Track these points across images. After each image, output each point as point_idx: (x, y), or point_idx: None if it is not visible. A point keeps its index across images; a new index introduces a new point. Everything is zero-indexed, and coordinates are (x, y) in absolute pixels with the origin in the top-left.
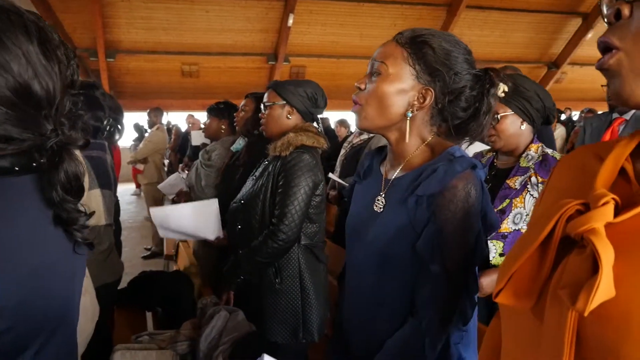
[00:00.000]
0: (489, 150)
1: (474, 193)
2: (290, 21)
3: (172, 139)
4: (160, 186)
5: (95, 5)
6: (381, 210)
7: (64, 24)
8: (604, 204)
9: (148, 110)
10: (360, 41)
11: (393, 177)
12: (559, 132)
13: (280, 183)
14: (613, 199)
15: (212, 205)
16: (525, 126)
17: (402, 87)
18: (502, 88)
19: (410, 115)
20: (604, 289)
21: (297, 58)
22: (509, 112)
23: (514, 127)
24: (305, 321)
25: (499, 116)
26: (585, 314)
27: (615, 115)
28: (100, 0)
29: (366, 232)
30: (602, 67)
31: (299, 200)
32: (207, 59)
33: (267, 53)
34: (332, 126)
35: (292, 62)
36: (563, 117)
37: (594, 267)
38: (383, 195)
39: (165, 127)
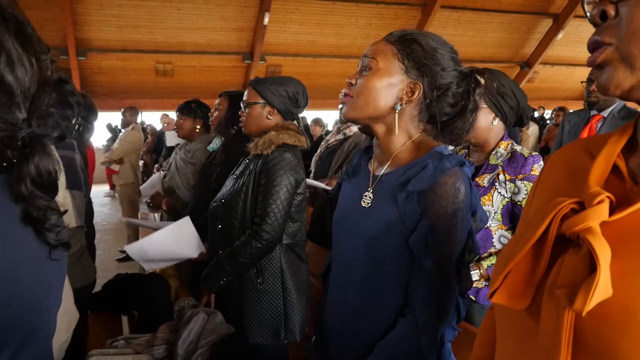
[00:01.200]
0: (461, 148)
1: (464, 189)
2: (266, 20)
3: (147, 140)
4: (142, 187)
5: (64, 1)
6: (369, 205)
7: (31, 21)
8: (599, 202)
9: (123, 110)
10: (336, 40)
11: (381, 173)
12: (532, 130)
13: (262, 182)
14: (607, 197)
15: (187, 224)
16: (497, 122)
17: (392, 81)
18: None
19: (399, 108)
20: (602, 288)
21: (273, 57)
22: (483, 105)
23: (485, 121)
24: (287, 321)
25: None
26: (584, 314)
27: (593, 112)
28: None
29: (353, 227)
30: (594, 63)
31: (281, 199)
32: (182, 58)
33: (242, 52)
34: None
35: (268, 61)
36: (536, 115)
37: (591, 266)
38: (371, 191)
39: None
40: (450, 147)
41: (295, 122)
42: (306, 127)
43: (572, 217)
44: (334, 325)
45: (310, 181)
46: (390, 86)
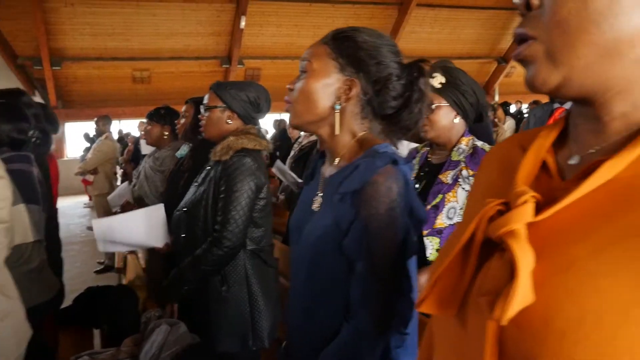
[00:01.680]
0: (424, 145)
1: (396, 188)
2: (243, 23)
3: (127, 149)
4: (109, 198)
5: (36, 11)
6: (318, 208)
7: (3, 32)
8: (522, 203)
9: (96, 119)
10: (314, 41)
11: (328, 175)
12: (509, 124)
13: (222, 188)
14: (533, 196)
15: (159, 211)
16: (458, 120)
17: (328, 81)
18: (439, 79)
19: (339, 107)
20: (522, 295)
21: (251, 60)
22: (444, 103)
23: (447, 119)
24: (254, 328)
25: (433, 106)
26: (502, 324)
27: (556, 105)
28: (42, 6)
29: (304, 231)
30: (518, 58)
31: (242, 205)
32: (159, 64)
33: (220, 56)
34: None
35: (246, 65)
36: (513, 109)
37: (513, 272)
38: (320, 194)
39: (118, 136)
40: (413, 145)
41: (256, 126)
42: (284, 129)
43: (497, 219)
44: (291, 329)
45: (280, 167)
46: (326, 86)
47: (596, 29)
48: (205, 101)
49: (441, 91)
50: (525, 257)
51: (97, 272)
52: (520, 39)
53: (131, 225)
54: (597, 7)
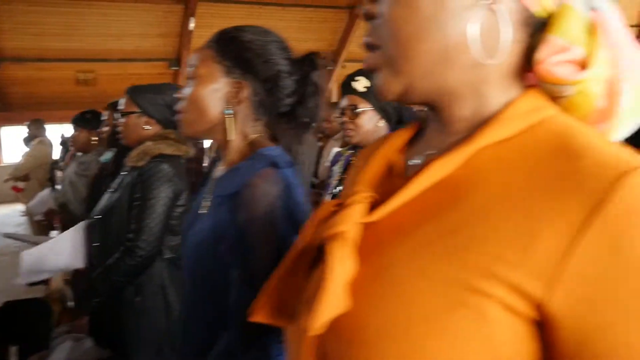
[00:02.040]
0: (347, 149)
1: (274, 191)
2: (192, 25)
3: (69, 154)
4: (29, 206)
5: None
6: (204, 211)
7: None
8: (351, 203)
9: (27, 123)
10: None
11: (216, 178)
12: None
13: (137, 195)
14: (370, 196)
15: (81, 230)
16: (382, 123)
17: (215, 87)
18: (364, 83)
19: (229, 112)
20: (330, 304)
21: None
22: (369, 107)
23: (371, 123)
24: (171, 338)
25: (358, 110)
26: (310, 334)
27: None
28: None
29: (189, 235)
30: (366, 68)
31: (157, 212)
32: (105, 66)
33: (169, 58)
34: None
35: None
36: None
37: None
38: (208, 198)
39: (60, 140)
40: (336, 149)
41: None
42: None
43: (326, 221)
44: (181, 331)
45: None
46: (214, 92)
47: (427, 37)
48: (121, 107)
49: (365, 95)
50: (338, 263)
51: (31, 284)
52: (370, 48)
53: (60, 250)
54: (426, 15)
